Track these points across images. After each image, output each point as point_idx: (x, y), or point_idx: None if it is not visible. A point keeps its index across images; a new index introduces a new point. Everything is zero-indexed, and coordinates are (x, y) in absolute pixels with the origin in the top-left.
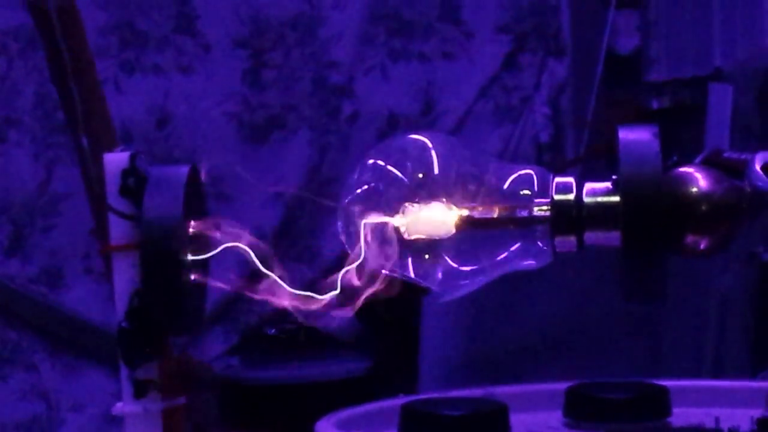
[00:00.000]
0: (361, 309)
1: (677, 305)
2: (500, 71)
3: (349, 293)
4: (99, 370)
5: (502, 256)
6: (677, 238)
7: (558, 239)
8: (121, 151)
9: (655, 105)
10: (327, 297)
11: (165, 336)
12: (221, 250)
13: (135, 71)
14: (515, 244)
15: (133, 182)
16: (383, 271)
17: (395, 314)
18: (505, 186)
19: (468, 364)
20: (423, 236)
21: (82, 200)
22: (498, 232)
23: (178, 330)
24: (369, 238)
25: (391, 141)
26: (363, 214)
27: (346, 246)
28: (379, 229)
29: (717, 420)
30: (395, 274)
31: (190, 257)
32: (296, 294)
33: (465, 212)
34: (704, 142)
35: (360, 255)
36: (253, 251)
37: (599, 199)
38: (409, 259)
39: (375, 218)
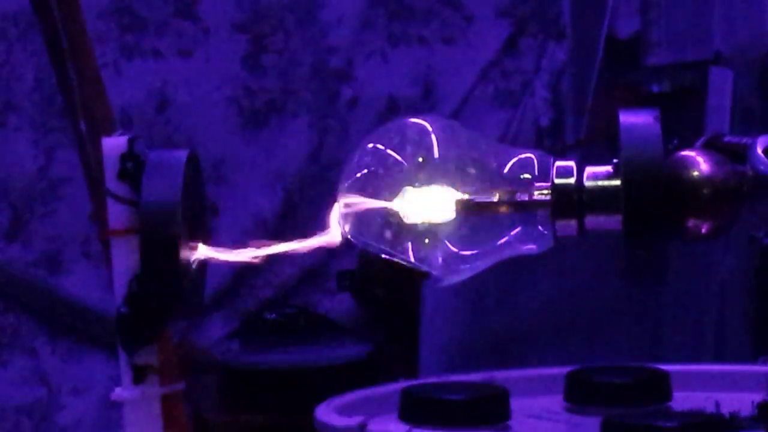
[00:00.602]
0: (361, 293)
1: (678, 289)
2: (500, 55)
3: None
4: (99, 354)
5: (503, 240)
6: (678, 221)
7: (559, 223)
8: (120, 135)
9: (655, 89)
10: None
11: (164, 321)
12: (220, 235)
13: (134, 56)
14: (516, 228)
15: (132, 166)
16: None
17: (395, 298)
18: (506, 170)
19: (468, 349)
20: (423, 220)
21: (81, 185)
22: (498, 217)
23: (178, 315)
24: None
25: (390, 124)
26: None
27: (346, 230)
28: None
29: (717, 404)
30: (395, 258)
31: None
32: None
33: (465, 196)
34: (704, 126)
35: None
36: None
37: (600, 182)
38: (409, 244)
39: (374, 202)
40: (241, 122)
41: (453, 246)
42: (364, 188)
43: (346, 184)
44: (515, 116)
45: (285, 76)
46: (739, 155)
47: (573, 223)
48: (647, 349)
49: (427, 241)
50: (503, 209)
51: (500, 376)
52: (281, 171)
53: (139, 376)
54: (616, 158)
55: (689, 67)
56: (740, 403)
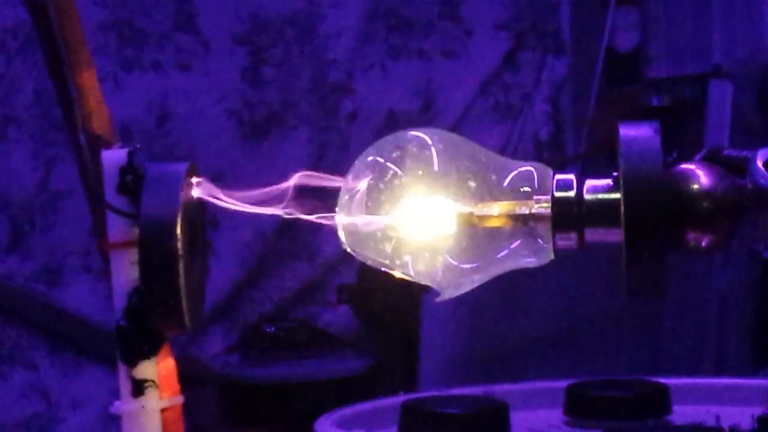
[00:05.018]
0: (361, 307)
1: (677, 303)
2: (500, 69)
3: None
4: (98, 368)
5: (503, 253)
6: (678, 235)
7: (559, 236)
8: (119, 148)
9: (654, 102)
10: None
11: (163, 334)
12: (220, 247)
13: (134, 69)
14: (516, 241)
15: (131, 179)
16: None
17: (395, 312)
18: (506, 183)
19: (468, 362)
20: (423, 234)
21: (81, 198)
22: (498, 230)
23: (177, 328)
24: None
25: (390, 137)
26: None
27: (345, 244)
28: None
29: (717, 418)
30: (395, 272)
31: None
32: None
33: (465, 209)
34: (704, 139)
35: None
36: None
37: (600, 195)
38: (409, 257)
39: (375, 216)
40: (240, 135)
41: (453, 259)
42: (364, 201)
43: (346, 197)
44: (515, 129)
45: (285, 89)
46: (739, 168)
47: (573, 236)
48: (647, 363)
49: (427, 254)
50: (503, 222)
51: (500, 389)
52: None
53: (139, 389)
54: (616, 171)
55: (689, 81)
56: (740, 416)
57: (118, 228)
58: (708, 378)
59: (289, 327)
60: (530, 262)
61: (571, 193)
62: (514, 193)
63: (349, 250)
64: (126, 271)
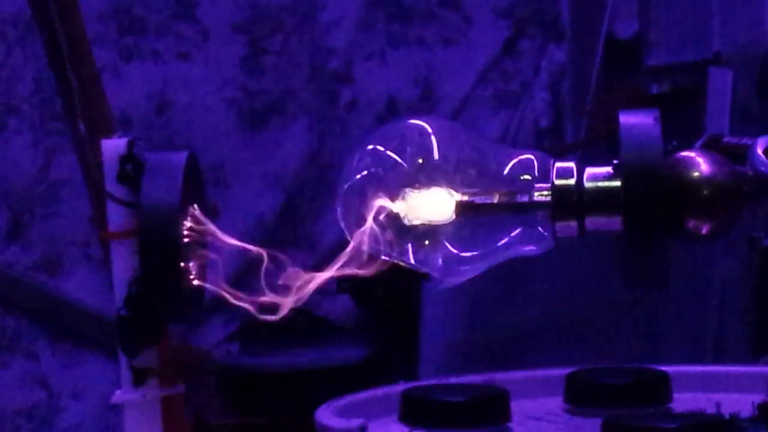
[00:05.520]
0: (361, 295)
1: (678, 290)
2: (500, 56)
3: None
4: (99, 357)
5: (503, 241)
6: (679, 222)
7: (559, 224)
8: (119, 137)
9: (654, 90)
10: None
11: (164, 323)
12: (216, 243)
13: (134, 58)
14: (516, 229)
15: (131, 169)
16: (382, 257)
17: (395, 300)
18: (506, 171)
19: (468, 350)
20: (423, 222)
21: (81, 187)
22: (499, 218)
23: (177, 317)
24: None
25: (390, 126)
26: (363, 199)
27: (346, 232)
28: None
29: (718, 405)
30: (395, 260)
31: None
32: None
33: (465, 197)
34: (704, 126)
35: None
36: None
37: (600, 183)
38: (409, 245)
39: (375, 204)
40: (240, 124)
41: (453, 247)
42: (363, 190)
43: (346, 186)
44: (515, 117)
45: (284, 78)
46: (739, 156)
47: (573, 224)
48: (647, 350)
49: (427, 242)
50: (503, 210)
51: (500, 377)
52: (281, 172)
53: (139, 378)
54: (616, 159)
55: (688, 68)
56: (740, 403)
57: (118, 217)
58: (708, 366)
59: (289, 315)
60: (531, 250)
61: (572, 181)
62: (514, 181)
63: (350, 238)
64: (126, 260)
